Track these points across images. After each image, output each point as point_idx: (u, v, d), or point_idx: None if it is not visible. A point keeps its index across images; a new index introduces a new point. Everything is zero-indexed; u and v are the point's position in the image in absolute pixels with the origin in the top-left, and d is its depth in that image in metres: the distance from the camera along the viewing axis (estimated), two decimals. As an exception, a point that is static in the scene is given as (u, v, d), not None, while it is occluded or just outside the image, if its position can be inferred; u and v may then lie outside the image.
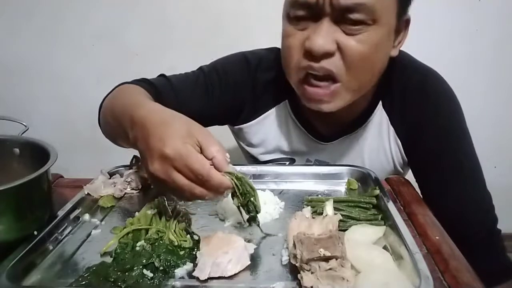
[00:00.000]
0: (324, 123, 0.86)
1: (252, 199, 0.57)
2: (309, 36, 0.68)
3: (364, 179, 0.75)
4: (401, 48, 0.78)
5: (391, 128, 0.83)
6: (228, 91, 0.88)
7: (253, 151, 0.94)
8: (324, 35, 0.66)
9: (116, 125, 0.70)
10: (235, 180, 0.55)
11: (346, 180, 0.76)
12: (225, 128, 0.98)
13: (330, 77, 0.70)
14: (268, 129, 0.91)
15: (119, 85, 0.83)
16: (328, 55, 0.68)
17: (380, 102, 0.83)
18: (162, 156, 0.53)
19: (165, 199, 0.67)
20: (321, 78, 0.71)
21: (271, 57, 0.88)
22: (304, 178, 0.78)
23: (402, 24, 0.74)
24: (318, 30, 0.67)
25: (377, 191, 0.66)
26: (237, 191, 0.56)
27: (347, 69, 0.69)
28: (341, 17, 0.66)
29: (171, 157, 0.52)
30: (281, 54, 0.77)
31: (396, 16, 0.70)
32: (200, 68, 0.90)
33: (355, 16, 0.65)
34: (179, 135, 0.54)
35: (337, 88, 0.71)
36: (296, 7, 0.69)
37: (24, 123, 0.72)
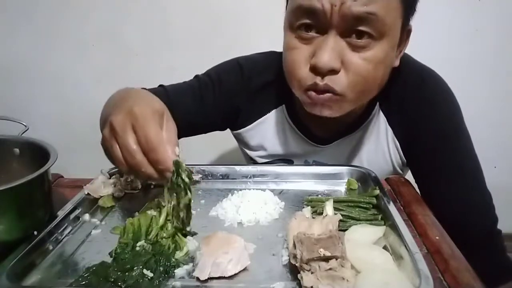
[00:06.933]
0: (321, 127, 0.86)
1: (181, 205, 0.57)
2: (315, 51, 0.67)
3: (364, 179, 0.75)
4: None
5: (389, 129, 0.83)
6: (222, 98, 0.88)
7: (251, 154, 0.95)
8: (330, 51, 0.65)
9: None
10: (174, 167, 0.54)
11: (346, 180, 0.76)
12: (227, 131, 0.98)
13: (332, 91, 0.69)
14: (265, 133, 0.91)
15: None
16: (333, 71, 0.67)
17: (378, 104, 0.82)
18: (129, 112, 0.54)
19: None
20: (324, 91, 0.70)
21: (267, 62, 0.88)
22: (304, 178, 0.78)
23: (404, 34, 0.73)
24: (324, 45, 0.65)
25: (377, 191, 0.66)
26: (172, 178, 0.56)
27: (350, 86, 0.68)
28: (349, 30, 0.64)
29: (136, 115, 0.54)
30: (284, 66, 0.75)
31: (401, 29, 0.69)
32: (196, 77, 0.91)
33: (364, 28, 0.64)
34: (151, 107, 0.56)
35: (338, 99, 0.70)
36: (301, 14, 0.67)
37: (24, 123, 0.72)
